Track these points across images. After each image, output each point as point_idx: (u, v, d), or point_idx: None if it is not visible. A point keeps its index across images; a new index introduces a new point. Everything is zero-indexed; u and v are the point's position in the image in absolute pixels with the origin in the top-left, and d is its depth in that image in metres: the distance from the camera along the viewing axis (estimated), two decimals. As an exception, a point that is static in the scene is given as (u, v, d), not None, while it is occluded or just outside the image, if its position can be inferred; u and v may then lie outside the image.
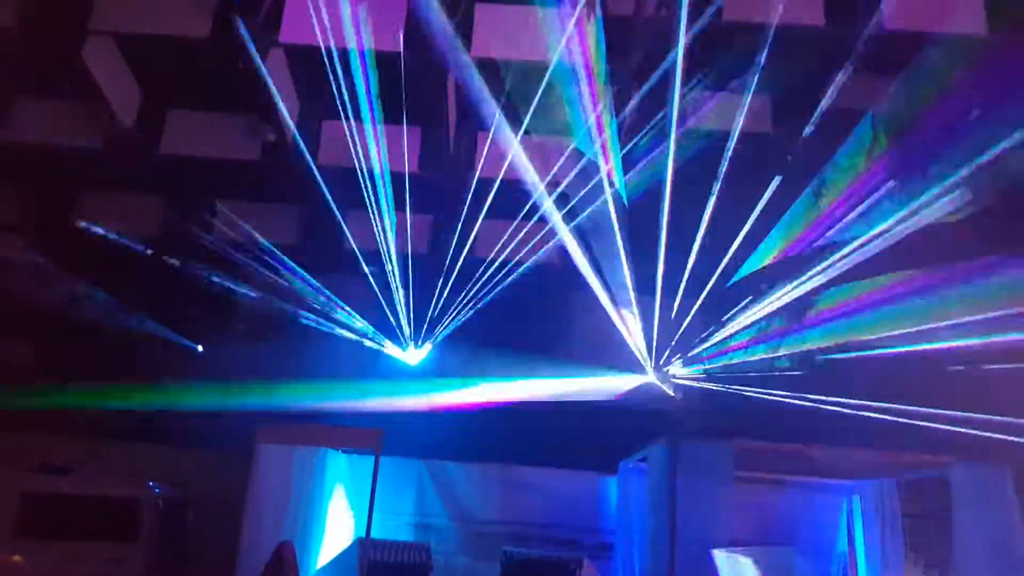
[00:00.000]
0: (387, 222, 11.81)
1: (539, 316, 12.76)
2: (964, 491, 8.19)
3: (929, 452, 8.67)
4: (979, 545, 8.00)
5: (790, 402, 11.22)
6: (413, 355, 12.99)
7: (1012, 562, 7.76)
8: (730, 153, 10.29)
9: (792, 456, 9.23)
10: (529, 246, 12.17)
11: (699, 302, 12.10)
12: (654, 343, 12.59)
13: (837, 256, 10.87)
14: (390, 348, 13.00)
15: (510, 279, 12.24)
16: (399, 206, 11.71)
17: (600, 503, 10.92)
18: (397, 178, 11.47)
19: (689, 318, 12.38)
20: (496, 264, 12.22)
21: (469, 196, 11.45)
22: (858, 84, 9.47)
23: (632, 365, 12.65)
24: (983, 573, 7.91)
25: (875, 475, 9.77)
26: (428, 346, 12.95)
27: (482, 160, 11.23)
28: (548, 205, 11.40)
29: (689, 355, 12.66)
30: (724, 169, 10.42)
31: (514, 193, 11.26)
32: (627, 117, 10.88)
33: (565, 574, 9.21)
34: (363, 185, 11.34)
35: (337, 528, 10.21)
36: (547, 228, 11.96)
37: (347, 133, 10.83)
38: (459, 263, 12.16)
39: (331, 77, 10.02)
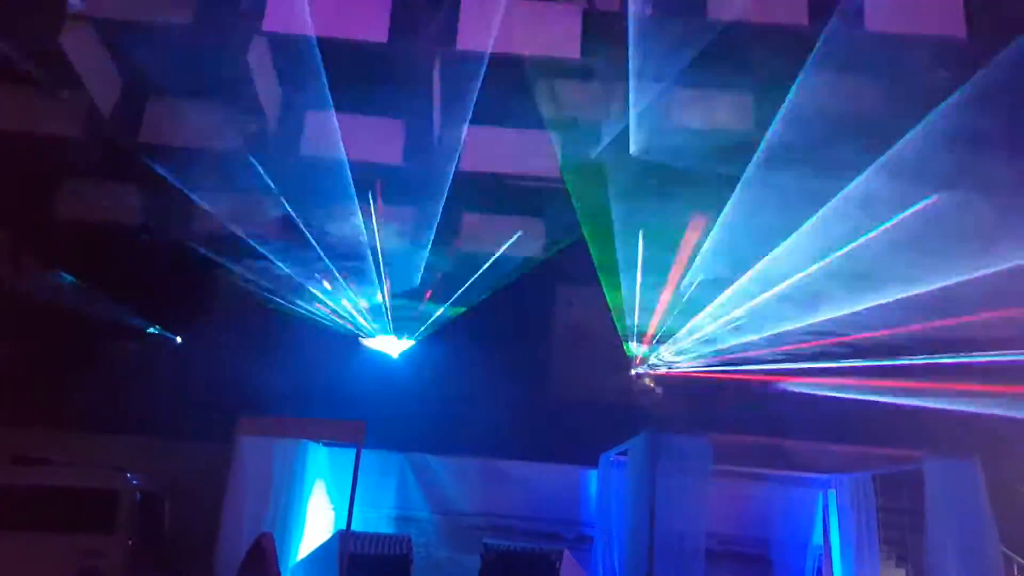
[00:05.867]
0: (372, 213, 11.78)
1: (522, 309, 12.79)
2: (936, 484, 8.33)
3: (904, 446, 8.81)
4: (950, 537, 8.14)
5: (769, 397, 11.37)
6: (395, 347, 12.98)
7: (982, 554, 7.91)
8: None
9: (770, 450, 9.34)
10: (513, 239, 12.20)
11: (682, 296, 12.20)
12: (636, 337, 12.68)
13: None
14: (372, 340, 12.98)
15: (494, 272, 12.26)
16: (384, 198, 11.68)
17: (580, 496, 10.99)
18: (379, 169, 11.45)
19: (673, 312, 12.47)
20: (480, 256, 12.23)
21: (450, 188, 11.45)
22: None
23: (614, 359, 12.73)
24: (954, 565, 8.06)
25: (851, 469, 9.93)
26: (408, 338, 12.94)
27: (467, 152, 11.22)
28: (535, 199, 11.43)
29: (671, 350, 12.76)
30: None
31: (498, 185, 11.28)
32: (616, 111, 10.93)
33: (545, 566, 9.24)
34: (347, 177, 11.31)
35: (317, 520, 10.19)
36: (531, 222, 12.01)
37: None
38: (443, 255, 12.16)
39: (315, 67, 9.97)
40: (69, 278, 12.03)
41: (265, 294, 12.34)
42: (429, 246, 12.08)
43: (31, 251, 11.71)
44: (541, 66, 10.97)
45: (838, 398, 11.43)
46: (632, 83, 10.24)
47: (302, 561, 9.41)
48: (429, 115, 11.24)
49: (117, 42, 10.63)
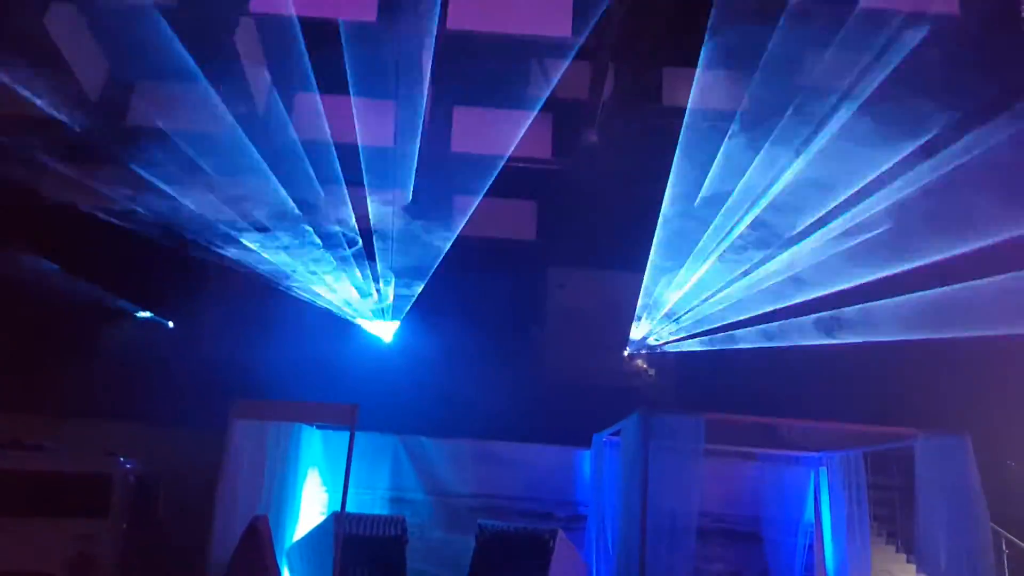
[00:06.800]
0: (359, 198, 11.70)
1: (515, 291, 12.78)
2: (927, 462, 8.38)
3: (895, 424, 8.84)
4: (940, 514, 8.21)
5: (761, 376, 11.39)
6: (387, 329, 12.97)
7: (972, 530, 7.98)
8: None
9: (762, 429, 9.38)
10: (505, 221, 12.15)
11: (675, 278, 12.20)
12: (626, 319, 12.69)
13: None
14: (364, 322, 12.96)
15: (487, 254, 12.23)
16: (377, 180, 11.62)
17: (574, 476, 11.05)
18: (367, 151, 11.36)
19: (666, 293, 12.48)
20: (473, 239, 12.18)
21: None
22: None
23: (606, 341, 12.75)
24: (944, 541, 8.14)
25: (842, 447, 9.98)
26: (398, 321, 12.93)
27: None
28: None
29: (663, 331, 12.78)
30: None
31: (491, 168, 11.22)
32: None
33: (539, 545, 9.30)
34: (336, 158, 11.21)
35: (312, 503, 10.23)
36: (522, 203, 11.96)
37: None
38: (436, 238, 12.12)
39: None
40: (59, 264, 11.96)
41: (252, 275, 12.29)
42: (420, 228, 12.03)
43: (20, 236, 11.63)
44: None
45: (829, 376, 11.48)
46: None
47: (297, 543, 9.45)
48: (419, 96, 11.15)
49: (103, 24, 10.49)
